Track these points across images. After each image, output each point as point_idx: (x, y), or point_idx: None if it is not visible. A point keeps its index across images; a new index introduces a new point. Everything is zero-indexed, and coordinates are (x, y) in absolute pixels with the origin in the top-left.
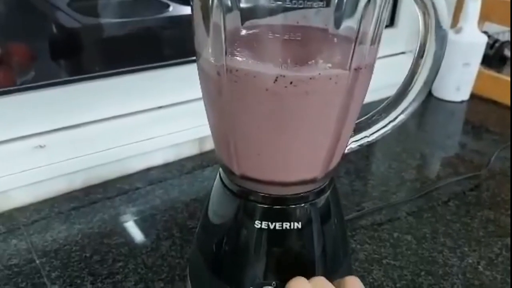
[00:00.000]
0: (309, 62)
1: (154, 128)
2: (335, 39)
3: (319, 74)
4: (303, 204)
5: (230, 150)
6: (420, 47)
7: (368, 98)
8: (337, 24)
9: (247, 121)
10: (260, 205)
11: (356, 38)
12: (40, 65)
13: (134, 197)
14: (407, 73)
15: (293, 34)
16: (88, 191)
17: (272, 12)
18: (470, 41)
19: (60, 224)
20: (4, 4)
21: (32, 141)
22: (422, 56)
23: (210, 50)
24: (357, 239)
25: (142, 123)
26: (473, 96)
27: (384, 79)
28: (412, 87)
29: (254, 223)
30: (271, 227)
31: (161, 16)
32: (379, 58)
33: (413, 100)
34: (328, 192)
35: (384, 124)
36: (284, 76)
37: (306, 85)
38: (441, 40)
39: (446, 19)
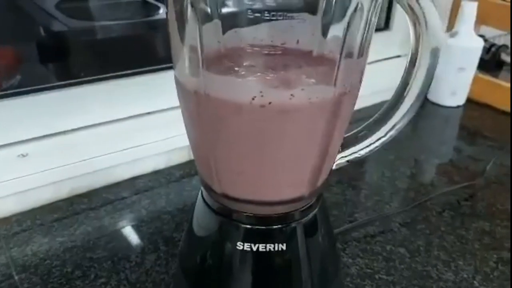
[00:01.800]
0: (291, 78)
1: (142, 135)
2: (320, 52)
3: (302, 89)
4: (288, 224)
5: (210, 167)
6: (411, 58)
7: (362, 103)
8: (325, 33)
9: (227, 139)
10: (242, 225)
11: (342, 48)
12: (25, 69)
13: (119, 207)
14: (397, 86)
15: (275, 48)
16: (72, 201)
17: (255, 21)
18: (466, 45)
19: (41, 237)
20: None
21: (14, 149)
22: (414, 66)
23: (186, 64)
24: (348, 253)
25: (129, 129)
26: (469, 101)
27: (379, 84)
28: (403, 101)
29: (236, 245)
30: (254, 248)
31: (150, 19)
32: (374, 62)
33: (404, 114)
34: (316, 210)
35: (373, 140)
36: (262, 94)
37: (286, 103)
38: (434, 53)
39: (439, 31)
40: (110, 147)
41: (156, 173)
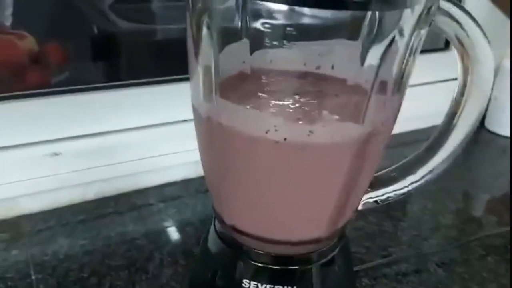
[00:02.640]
0: (313, 111)
1: (177, 142)
2: (355, 81)
3: (323, 126)
4: (302, 265)
5: (220, 196)
6: (456, 97)
7: (413, 126)
8: (362, 60)
9: (239, 171)
10: (250, 261)
11: (374, 81)
12: (72, 67)
13: (145, 214)
14: (439, 127)
15: (305, 74)
16: (99, 203)
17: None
18: None
19: (64, 238)
20: (41, 3)
21: (48, 147)
22: (459, 107)
23: (200, 87)
24: None
25: (165, 136)
26: None
27: (435, 106)
28: (443, 145)
29: (242, 282)
30: None
31: None
32: (430, 83)
33: (444, 159)
34: (335, 252)
35: (407, 183)
36: (276, 129)
37: (304, 140)
38: (482, 98)
39: (489, 71)
40: (143, 152)
41: (186, 182)
